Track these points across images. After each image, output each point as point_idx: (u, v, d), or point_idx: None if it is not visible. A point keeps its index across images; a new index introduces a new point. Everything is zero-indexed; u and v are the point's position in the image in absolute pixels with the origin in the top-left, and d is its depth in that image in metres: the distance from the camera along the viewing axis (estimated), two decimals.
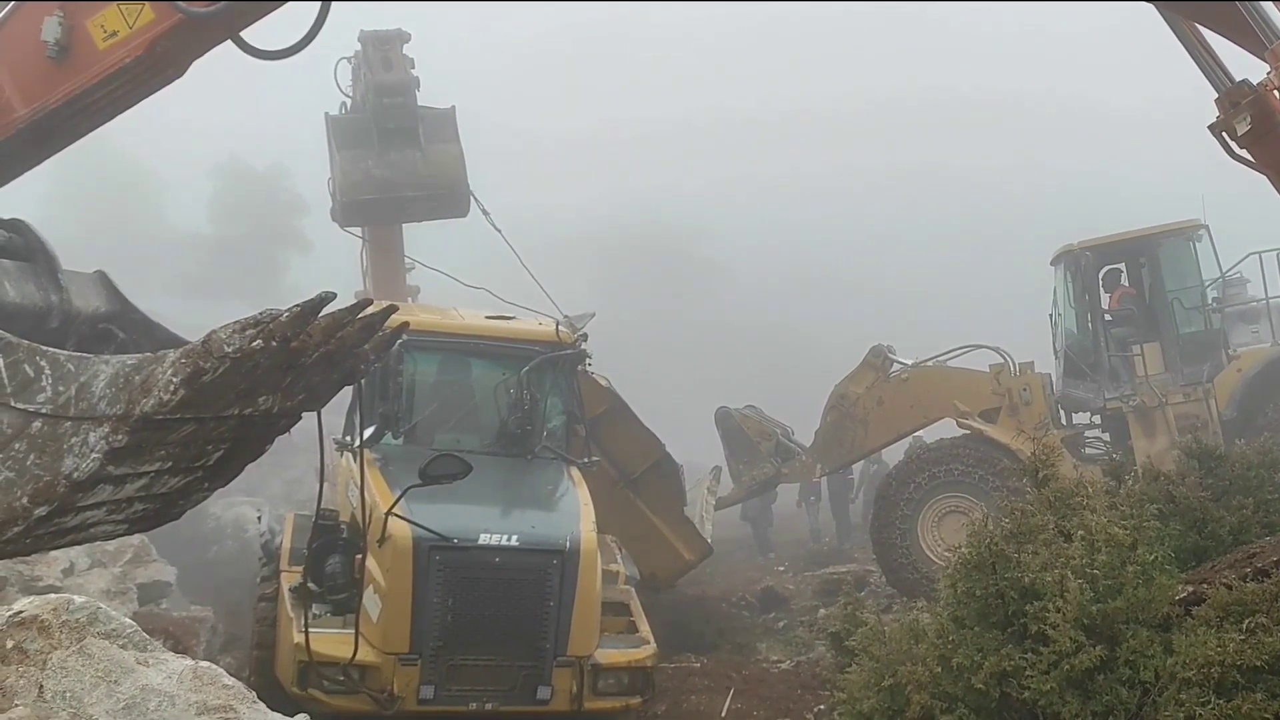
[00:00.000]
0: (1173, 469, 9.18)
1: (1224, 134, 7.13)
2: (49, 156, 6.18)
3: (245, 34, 5.98)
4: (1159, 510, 7.31)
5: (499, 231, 14.36)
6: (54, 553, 10.76)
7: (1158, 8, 7.35)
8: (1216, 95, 7.26)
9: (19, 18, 5.75)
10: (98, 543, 9.59)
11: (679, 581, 15.63)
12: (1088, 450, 15.05)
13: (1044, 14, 60.06)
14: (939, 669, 5.95)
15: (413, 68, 14.36)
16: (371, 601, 7.81)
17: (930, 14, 66.15)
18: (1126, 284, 15.50)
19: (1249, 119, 6.83)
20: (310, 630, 7.54)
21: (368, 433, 8.64)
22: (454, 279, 14.94)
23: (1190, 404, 14.17)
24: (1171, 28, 7.66)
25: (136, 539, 12.62)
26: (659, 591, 12.29)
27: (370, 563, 7.93)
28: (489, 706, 7.80)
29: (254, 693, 4.14)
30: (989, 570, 6.10)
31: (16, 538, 5.01)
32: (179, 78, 6.01)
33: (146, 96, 6.01)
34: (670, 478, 12.22)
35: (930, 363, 15.76)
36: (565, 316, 10.88)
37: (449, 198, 14.40)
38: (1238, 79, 7.13)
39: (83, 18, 5.65)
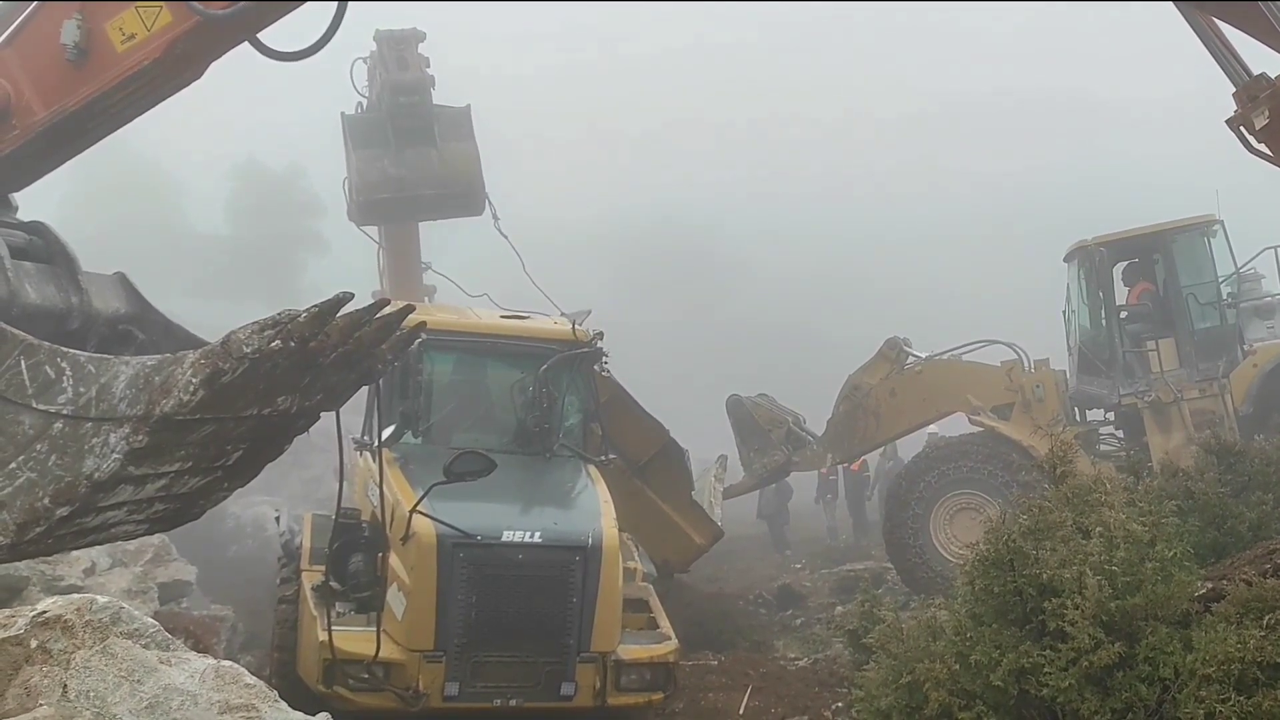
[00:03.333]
0: (1189, 465, 9.14)
1: (1242, 128, 7.09)
2: (69, 159, 6.22)
3: (262, 36, 6.01)
4: (1178, 506, 7.29)
5: (505, 238, 14.48)
6: (75, 552, 10.82)
7: (1177, 5, 7.32)
8: (1234, 90, 7.23)
9: (38, 21, 5.79)
10: (118, 542, 9.64)
11: (696, 579, 15.65)
12: (1102, 447, 14.99)
13: (1058, 11, 59.90)
14: (957, 666, 5.94)
15: (428, 67, 14.40)
16: (396, 599, 7.84)
17: (944, 13, 65.99)
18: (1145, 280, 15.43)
19: (1267, 113, 6.80)
20: (334, 628, 7.58)
21: (388, 432, 8.66)
22: (456, 284, 15.14)
23: (1206, 399, 14.10)
24: (1188, 22, 7.61)
25: (157, 539, 12.67)
26: (672, 577, 12.26)
27: (394, 560, 7.96)
28: (513, 703, 7.82)
29: (275, 692, 4.17)
30: (1007, 567, 6.08)
31: (39, 538, 5.05)
32: (197, 80, 6.04)
33: (165, 99, 6.05)
34: (676, 463, 12.16)
35: (945, 356, 15.75)
36: (562, 314, 10.91)
37: (464, 196, 14.43)
38: (1255, 73, 7.10)
39: (101, 21, 5.69)
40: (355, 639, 7.63)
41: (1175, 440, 13.73)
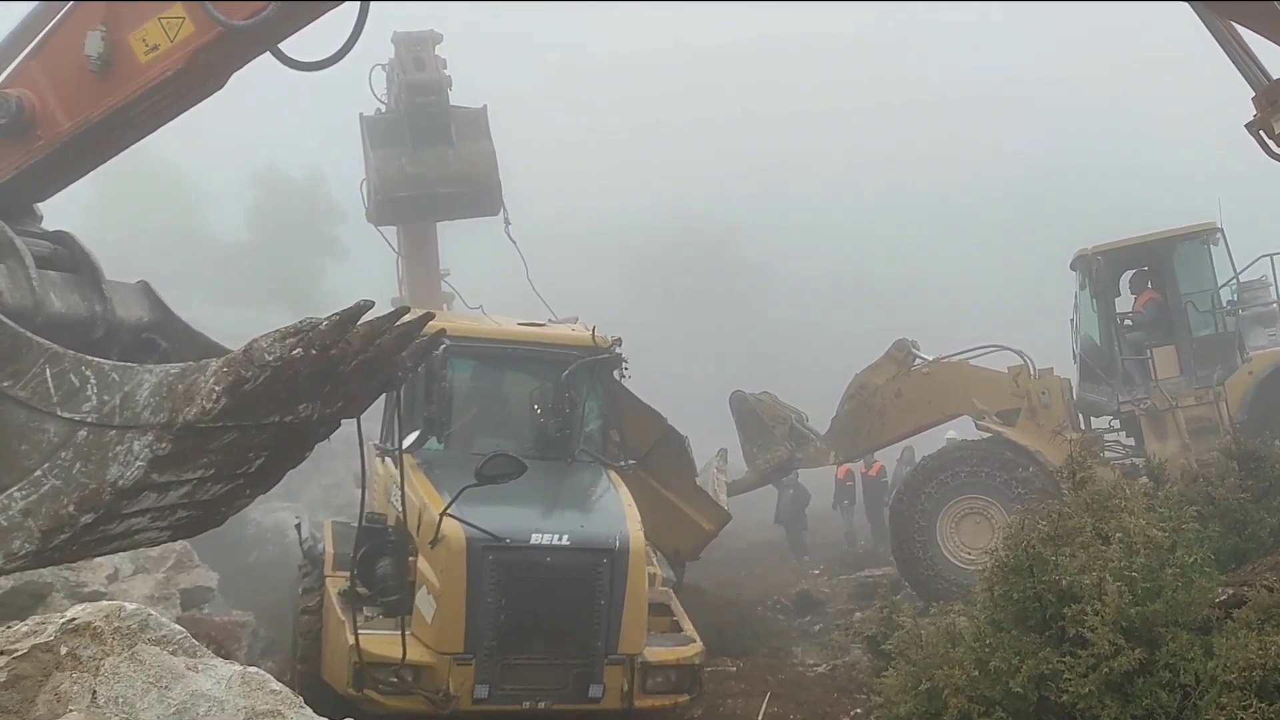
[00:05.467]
0: (1180, 472, 9.13)
1: (1261, 132, 7.08)
2: (93, 168, 6.27)
3: (283, 46, 6.06)
4: (1198, 512, 7.25)
5: (514, 243, 14.56)
6: (99, 559, 10.90)
7: (1194, 7, 7.31)
8: (1253, 94, 7.21)
9: (63, 33, 5.85)
10: (141, 549, 9.71)
11: (714, 585, 15.63)
12: (1106, 453, 14.99)
13: (1083, 10, 59.68)
14: (976, 672, 5.94)
15: (445, 68, 14.48)
16: (425, 602, 7.88)
17: (962, 11, 65.89)
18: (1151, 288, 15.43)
19: None
20: (364, 632, 7.63)
21: (411, 437, 8.69)
22: (457, 293, 15.24)
23: (1201, 407, 14.16)
24: (1206, 25, 7.60)
25: (179, 545, 12.75)
26: (684, 566, 12.21)
27: (422, 564, 8.00)
28: (542, 705, 7.85)
29: (300, 697, 4.20)
30: (1026, 573, 6.08)
31: (64, 544, 5.11)
32: (219, 90, 6.09)
33: (188, 109, 6.10)
34: (678, 451, 12.08)
35: (956, 359, 15.78)
36: (550, 320, 10.92)
37: (481, 195, 14.48)
38: (1275, 76, 7.09)
39: (125, 32, 5.74)
40: (384, 642, 7.67)
41: (1171, 447, 13.79)
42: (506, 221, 14.74)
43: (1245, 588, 6.17)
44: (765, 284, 49.58)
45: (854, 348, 19.77)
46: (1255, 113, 7.19)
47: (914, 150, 61.37)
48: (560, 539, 7.99)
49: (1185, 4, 7.23)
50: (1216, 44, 7.62)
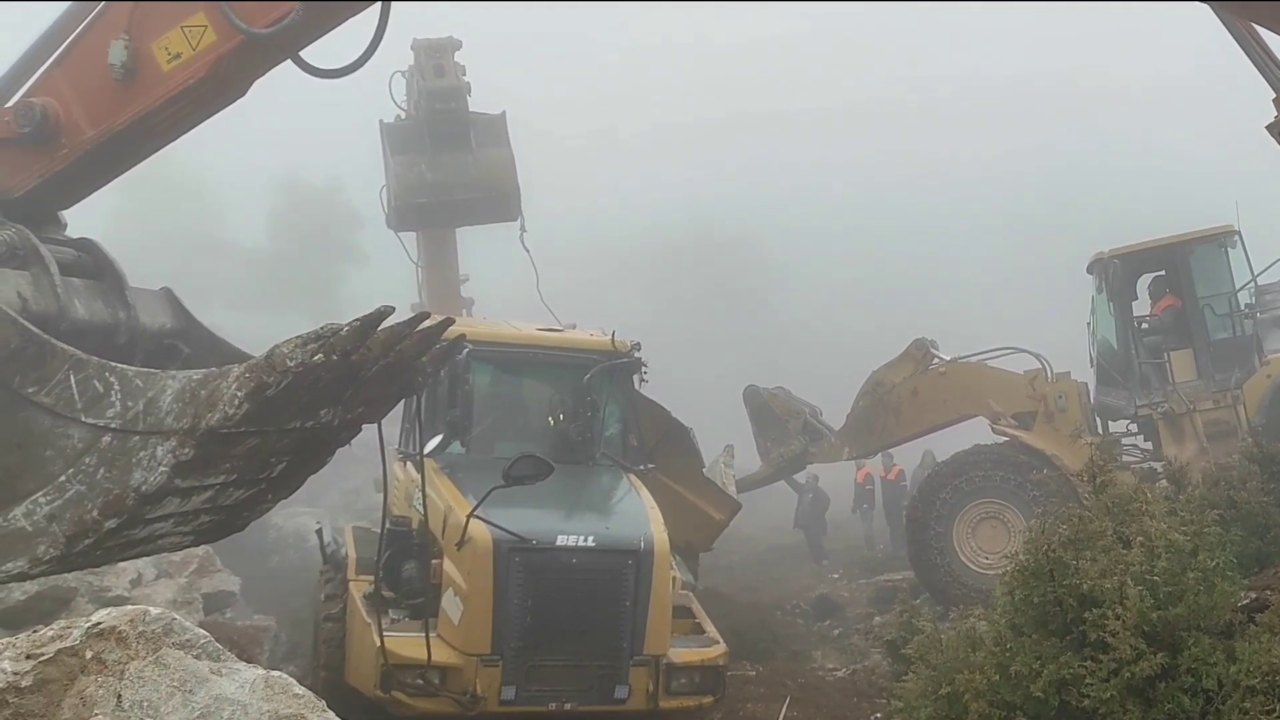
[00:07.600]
0: (1201, 476, 9.08)
1: None
2: (116, 176, 6.33)
3: (304, 54, 6.10)
4: (1220, 515, 7.20)
5: (528, 251, 14.65)
6: (122, 564, 10.96)
7: (1213, 7, 7.28)
8: (1274, 95, 7.18)
9: (86, 42, 5.91)
10: (164, 554, 9.78)
11: (733, 589, 15.61)
12: (1125, 457, 14.91)
13: (1102, 8, 59.45)
14: (997, 677, 5.91)
15: (464, 75, 14.56)
16: (452, 604, 7.91)
17: (981, 8, 65.71)
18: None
19: None
20: (390, 634, 7.66)
21: (435, 441, 8.72)
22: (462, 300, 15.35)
23: (1219, 410, 14.08)
24: (1226, 27, 7.58)
25: (201, 550, 12.82)
26: (698, 558, 12.19)
27: (448, 566, 8.04)
28: (568, 706, 7.88)
29: (323, 701, 4.23)
30: (1047, 577, 6.05)
31: (87, 550, 5.15)
32: (241, 98, 6.14)
33: (209, 117, 6.15)
34: (683, 442, 12.02)
35: (973, 359, 15.75)
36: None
37: (499, 200, 14.56)
38: None
39: (147, 40, 5.80)
40: (410, 644, 7.69)
41: (1188, 451, 13.67)
42: (522, 229, 14.80)
43: (1268, 592, 6.14)
44: (780, 284, 49.61)
45: (868, 349, 19.72)
46: (1276, 114, 7.16)
47: (931, 151, 61.19)
48: (585, 540, 8.02)
49: (1204, 4, 7.19)
50: (1236, 45, 7.60)
